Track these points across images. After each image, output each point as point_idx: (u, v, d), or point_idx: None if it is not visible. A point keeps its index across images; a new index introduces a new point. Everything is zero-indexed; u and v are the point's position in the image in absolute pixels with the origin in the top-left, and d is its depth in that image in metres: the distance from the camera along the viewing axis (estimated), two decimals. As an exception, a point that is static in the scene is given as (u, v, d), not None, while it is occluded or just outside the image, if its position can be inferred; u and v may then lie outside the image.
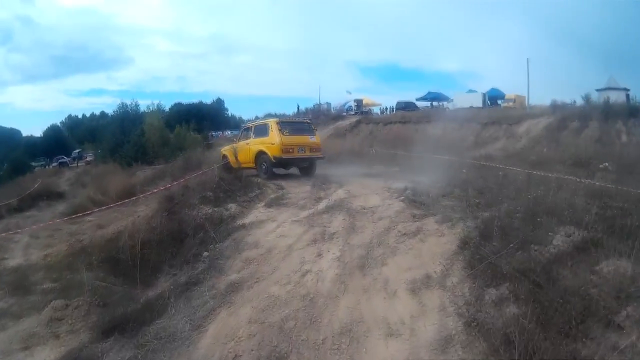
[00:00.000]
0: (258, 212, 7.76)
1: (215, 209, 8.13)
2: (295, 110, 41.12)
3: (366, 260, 5.29)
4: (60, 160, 43.94)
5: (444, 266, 4.81)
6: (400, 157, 17.62)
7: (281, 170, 11.71)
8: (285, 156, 10.90)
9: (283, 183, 9.98)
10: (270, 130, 11.27)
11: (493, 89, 38.81)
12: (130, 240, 6.79)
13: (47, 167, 43.39)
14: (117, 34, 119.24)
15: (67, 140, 55.40)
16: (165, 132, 31.63)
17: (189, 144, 27.24)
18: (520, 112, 26.80)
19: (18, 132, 55.88)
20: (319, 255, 5.57)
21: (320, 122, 31.18)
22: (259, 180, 10.11)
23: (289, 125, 11.72)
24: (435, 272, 4.76)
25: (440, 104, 39.18)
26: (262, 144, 11.28)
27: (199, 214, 7.91)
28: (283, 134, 11.01)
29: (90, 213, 13.45)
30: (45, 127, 60.24)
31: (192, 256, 6.40)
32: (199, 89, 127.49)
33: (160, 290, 5.74)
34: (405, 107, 37.00)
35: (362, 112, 37.38)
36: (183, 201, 9.30)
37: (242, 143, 12.32)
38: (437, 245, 5.34)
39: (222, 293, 5.15)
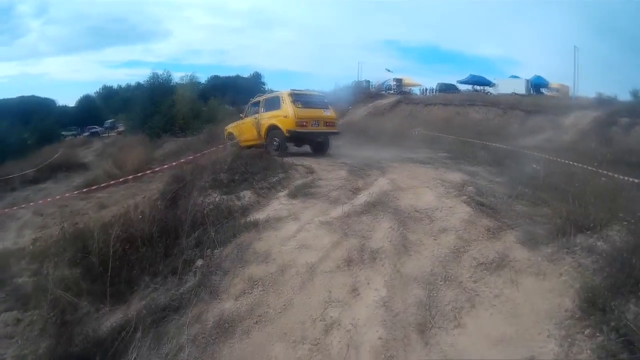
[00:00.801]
0: (278, 204, 5.91)
1: (225, 196, 6.43)
2: (333, 87, 39.43)
3: (429, 312, 3.31)
4: (91, 130, 43.59)
5: (561, 343, 2.82)
6: (445, 140, 15.74)
7: (293, 148, 10.48)
8: (299, 129, 9.80)
9: (314, 166, 8.15)
10: (282, 103, 10.12)
11: (536, 77, 35.82)
12: (104, 236, 5.15)
13: (77, 136, 43.06)
14: (156, 6, 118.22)
15: (100, 110, 55.02)
16: (197, 103, 30.31)
17: (222, 117, 25.84)
18: (565, 103, 24.63)
19: (52, 102, 55.21)
20: (354, 290, 3.65)
21: (359, 100, 29.65)
22: (285, 160, 8.36)
23: (302, 97, 10.53)
24: (547, 354, 2.78)
25: (482, 88, 36.53)
26: (274, 118, 10.12)
27: (204, 202, 6.26)
28: (296, 107, 9.86)
29: (97, 188, 12.11)
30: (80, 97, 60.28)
31: (182, 263, 4.70)
32: (237, 63, 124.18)
33: (130, 315, 4.09)
34: (447, 89, 34.83)
35: (402, 92, 35.07)
36: (192, 182, 7.78)
37: (249, 119, 11.06)
38: (538, 294, 3.32)
39: (206, 336, 3.44)
